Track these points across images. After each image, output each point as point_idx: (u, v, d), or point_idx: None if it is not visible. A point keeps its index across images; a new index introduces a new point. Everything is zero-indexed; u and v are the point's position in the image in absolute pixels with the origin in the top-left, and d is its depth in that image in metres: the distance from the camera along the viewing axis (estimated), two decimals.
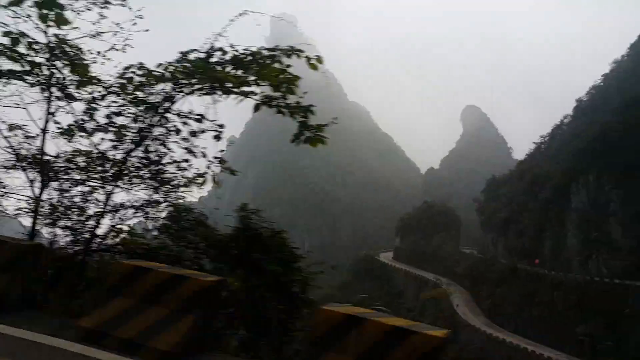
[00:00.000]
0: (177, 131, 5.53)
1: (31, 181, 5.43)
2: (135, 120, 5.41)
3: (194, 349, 3.15)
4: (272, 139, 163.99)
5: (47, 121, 5.39)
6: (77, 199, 5.64)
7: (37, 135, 5.43)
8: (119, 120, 5.44)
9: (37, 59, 5.10)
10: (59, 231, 5.54)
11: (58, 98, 5.35)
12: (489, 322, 57.61)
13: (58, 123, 5.43)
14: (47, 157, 5.47)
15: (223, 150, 6.01)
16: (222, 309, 4.20)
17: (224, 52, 4.93)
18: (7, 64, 5.03)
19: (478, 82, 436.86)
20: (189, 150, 5.75)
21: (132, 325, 3.23)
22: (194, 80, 4.99)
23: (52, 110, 5.38)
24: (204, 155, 5.84)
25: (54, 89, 5.30)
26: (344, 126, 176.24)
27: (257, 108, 5.06)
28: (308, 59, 4.70)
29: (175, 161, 5.88)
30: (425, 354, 2.30)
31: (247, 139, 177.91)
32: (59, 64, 5.18)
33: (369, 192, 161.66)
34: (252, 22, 5.11)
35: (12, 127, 5.41)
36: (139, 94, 5.25)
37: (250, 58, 4.94)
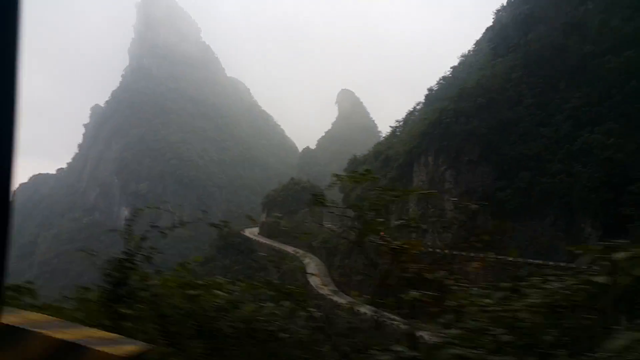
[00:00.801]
0: None
1: None
2: None
3: None
4: (140, 109, 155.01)
5: None
6: None
7: None
8: None
9: None
10: None
11: None
12: (337, 290, 61.28)
13: None
14: None
15: None
16: None
17: None
18: None
19: (355, 68, 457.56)
20: None
21: None
22: None
23: None
24: None
25: None
26: (221, 101, 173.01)
27: None
28: None
29: None
30: None
31: (113, 109, 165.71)
32: None
33: (245, 169, 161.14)
34: None
35: None
36: None
37: None
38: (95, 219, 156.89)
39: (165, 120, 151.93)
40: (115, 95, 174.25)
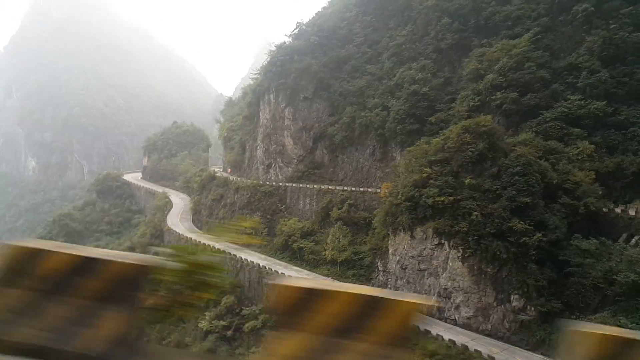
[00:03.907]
0: None
1: None
2: None
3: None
4: (40, 55, 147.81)
5: None
6: None
7: None
8: None
9: None
10: None
11: None
12: (191, 226, 64.49)
13: None
14: None
15: None
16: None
17: None
18: None
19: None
20: None
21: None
22: None
23: None
24: None
25: None
26: (128, 47, 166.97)
27: None
28: None
29: None
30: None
31: (12, 55, 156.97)
32: None
33: (158, 117, 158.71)
34: None
35: None
36: None
37: None
38: (2, 170, 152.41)
39: (66, 65, 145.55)
40: (14, 40, 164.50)
